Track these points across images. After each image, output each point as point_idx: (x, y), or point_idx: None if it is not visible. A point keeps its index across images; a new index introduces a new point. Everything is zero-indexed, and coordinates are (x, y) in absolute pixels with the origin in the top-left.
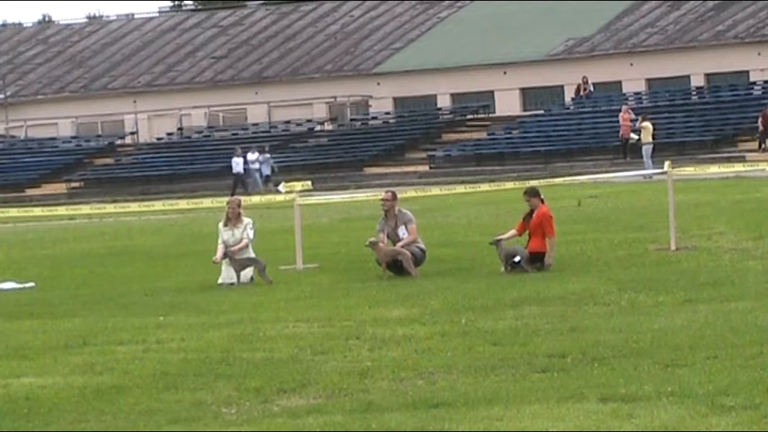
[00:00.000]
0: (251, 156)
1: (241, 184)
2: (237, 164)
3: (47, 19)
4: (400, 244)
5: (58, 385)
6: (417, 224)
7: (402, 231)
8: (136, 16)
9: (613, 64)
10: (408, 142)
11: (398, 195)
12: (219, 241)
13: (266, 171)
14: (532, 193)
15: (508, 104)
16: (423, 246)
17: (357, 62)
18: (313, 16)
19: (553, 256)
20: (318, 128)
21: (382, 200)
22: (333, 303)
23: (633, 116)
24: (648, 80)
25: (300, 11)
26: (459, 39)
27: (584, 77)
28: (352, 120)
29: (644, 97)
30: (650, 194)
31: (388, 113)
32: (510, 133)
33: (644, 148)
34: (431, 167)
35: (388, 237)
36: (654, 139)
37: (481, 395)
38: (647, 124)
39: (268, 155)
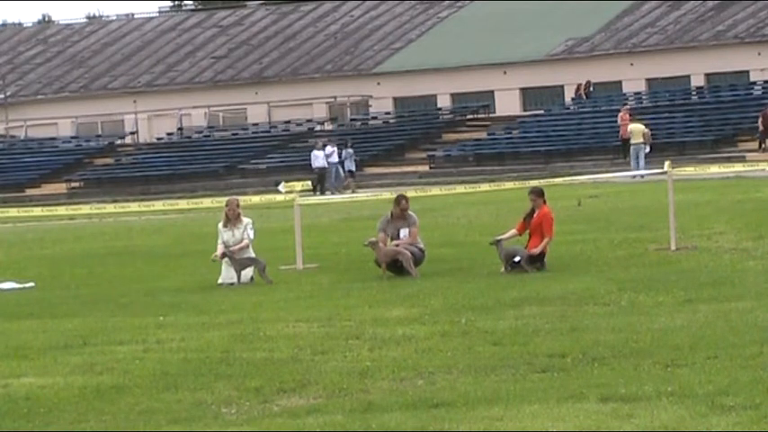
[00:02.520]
0: (329, 149)
1: (320, 180)
2: (317, 158)
3: (47, 19)
4: (396, 242)
5: (57, 385)
6: (418, 225)
7: (404, 233)
8: (136, 16)
9: (613, 64)
10: (408, 142)
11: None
12: (219, 242)
13: (350, 166)
14: (538, 192)
15: (508, 104)
16: (422, 246)
17: (357, 62)
18: (313, 16)
19: (541, 249)
20: (318, 128)
21: (401, 209)
22: (333, 303)
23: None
24: (648, 80)
25: (300, 11)
26: (459, 39)
27: (587, 81)
28: (352, 120)
29: (644, 97)
30: (650, 194)
31: (388, 113)
32: (510, 133)
33: (631, 148)
34: (431, 167)
35: (390, 237)
36: (645, 140)
37: (481, 395)
38: (633, 126)
39: (351, 150)
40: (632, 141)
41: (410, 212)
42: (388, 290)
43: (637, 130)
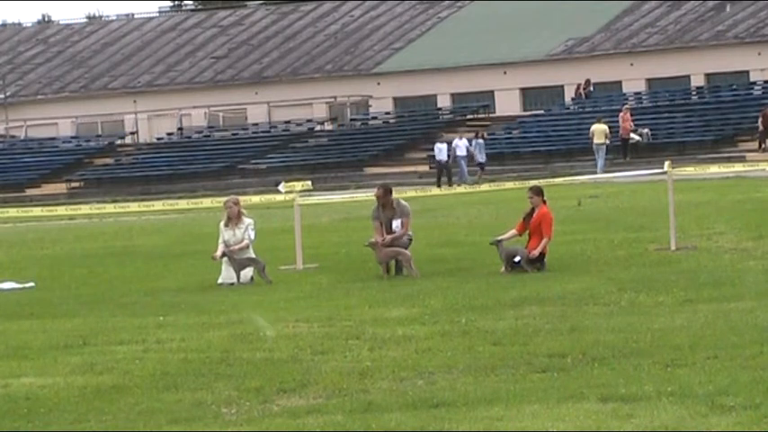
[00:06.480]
0: (457, 141)
1: (446, 173)
2: (440, 150)
3: (47, 19)
4: (391, 237)
5: (57, 385)
6: (413, 221)
7: (396, 224)
8: (136, 16)
9: (613, 64)
10: (408, 142)
11: (398, 194)
12: (220, 241)
13: (481, 158)
14: (537, 191)
15: (508, 104)
16: (411, 234)
17: (357, 62)
18: (313, 16)
19: (540, 250)
20: (318, 128)
21: (376, 196)
22: (333, 303)
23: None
24: (648, 80)
25: (300, 11)
26: (459, 39)
27: (587, 80)
28: (352, 120)
29: (644, 97)
30: (650, 194)
31: (388, 113)
32: (510, 133)
33: (594, 148)
34: (431, 167)
35: (382, 224)
36: (607, 139)
37: (481, 395)
38: (596, 126)
39: (482, 141)
40: (595, 142)
41: (402, 203)
42: (388, 290)
43: (599, 130)
